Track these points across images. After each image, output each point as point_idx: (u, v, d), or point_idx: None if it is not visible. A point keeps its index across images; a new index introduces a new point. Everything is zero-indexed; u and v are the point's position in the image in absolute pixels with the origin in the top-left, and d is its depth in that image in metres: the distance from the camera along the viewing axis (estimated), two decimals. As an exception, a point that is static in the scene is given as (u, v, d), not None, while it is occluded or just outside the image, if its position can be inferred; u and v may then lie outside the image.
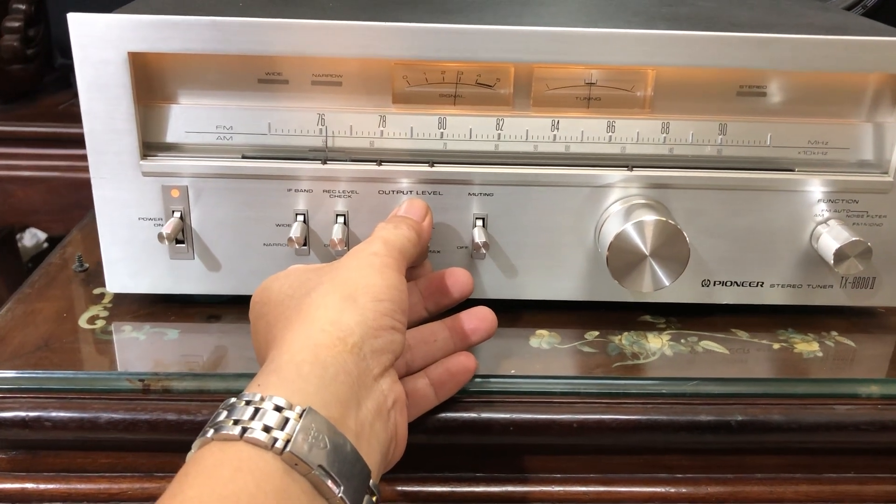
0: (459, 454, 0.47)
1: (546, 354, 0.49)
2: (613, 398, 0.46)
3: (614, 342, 0.51)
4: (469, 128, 0.49)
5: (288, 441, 0.32)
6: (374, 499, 0.34)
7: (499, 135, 0.50)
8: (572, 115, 0.50)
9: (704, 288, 0.52)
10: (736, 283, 0.52)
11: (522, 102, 0.50)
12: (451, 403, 0.45)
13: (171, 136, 0.49)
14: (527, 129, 0.50)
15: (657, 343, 0.51)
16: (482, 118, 0.49)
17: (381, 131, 0.49)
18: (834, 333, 0.52)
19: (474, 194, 0.50)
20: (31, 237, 1.31)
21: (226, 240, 0.50)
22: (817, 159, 0.50)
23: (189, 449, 0.34)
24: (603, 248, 0.48)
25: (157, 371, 0.46)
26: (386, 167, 0.49)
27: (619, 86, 0.49)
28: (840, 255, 0.49)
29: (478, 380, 0.46)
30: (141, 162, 0.48)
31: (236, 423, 0.32)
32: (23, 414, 0.44)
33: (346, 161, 0.49)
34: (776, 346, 0.51)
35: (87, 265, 0.56)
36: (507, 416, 0.45)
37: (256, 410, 0.32)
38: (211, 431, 0.33)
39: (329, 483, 0.32)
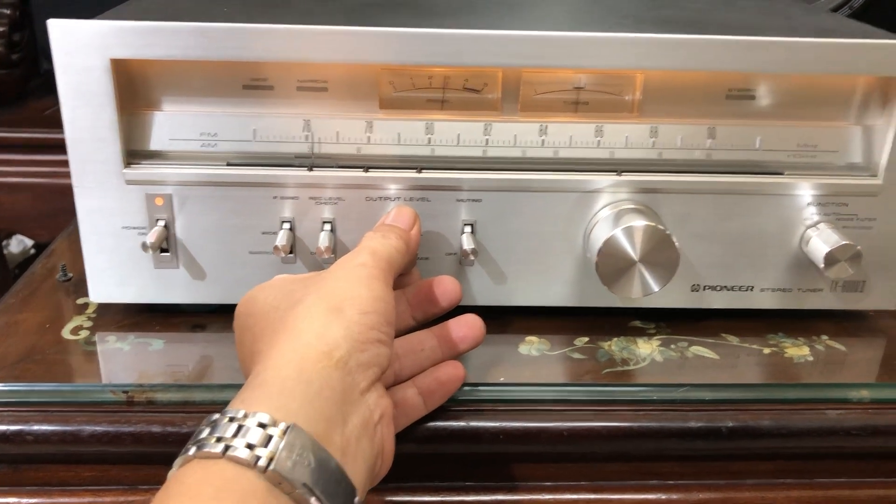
0: (449, 463, 0.47)
1: (535, 361, 0.49)
2: (603, 405, 0.46)
3: (604, 348, 0.50)
4: (457, 133, 0.49)
5: (271, 459, 0.31)
6: (359, 515, 0.34)
7: (487, 140, 0.49)
8: (560, 119, 0.49)
9: (695, 293, 0.52)
10: (726, 287, 0.52)
11: (510, 107, 0.49)
12: (441, 412, 0.44)
13: (155, 144, 0.48)
14: (515, 135, 0.49)
15: (647, 349, 0.50)
16: (470, 123, 0.49)
17: (368, 137, 0.49)
18: (824, 337, 0.52)
19: (463, 200, 0.49)
20: (18, 244, 1.29)
21: (211, 248, 0.49)
22: (806, 162, 0.50)
23: (174, 461, 0.33)
24: (592, 254, 0.48)
25: (141, 382, 0.45)
26: (373, 173, 0.49)
27: (608, 90, 0.49)
28: (830, 258, 0.48)
29: (467, 388, 0.46)
30: (124, 170, 0.47)
31: (219, 440, 0.32)
32: (4, 428, 0.43)
33: (332, 168, 0.49)
34: (766, 350, 0.51)
35: (70, 275, 0.56)
36: (497, 424, 0.45)
37: (240, 427, 0.32)
38: (193, 449, 0.32)
39: (313, 501, 0.31)
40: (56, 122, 0.47)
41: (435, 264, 0.51)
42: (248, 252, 0.50)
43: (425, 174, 0.49)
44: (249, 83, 0.48)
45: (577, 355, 0.50)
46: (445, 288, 0.46)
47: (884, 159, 0.49)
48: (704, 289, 0.52)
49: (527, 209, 0.50)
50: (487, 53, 0.46)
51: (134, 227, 0.49)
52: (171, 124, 0.48)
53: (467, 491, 0.47)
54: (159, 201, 0.48)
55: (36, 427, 0.43)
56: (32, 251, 1.29)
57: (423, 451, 0.44)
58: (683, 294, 0.52)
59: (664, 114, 0.49)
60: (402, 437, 0.42)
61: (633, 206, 0.49)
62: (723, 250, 0.51)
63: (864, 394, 0.47)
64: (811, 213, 0.50)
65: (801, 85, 0.49)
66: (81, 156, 0.47)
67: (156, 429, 0.44)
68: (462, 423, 0.45)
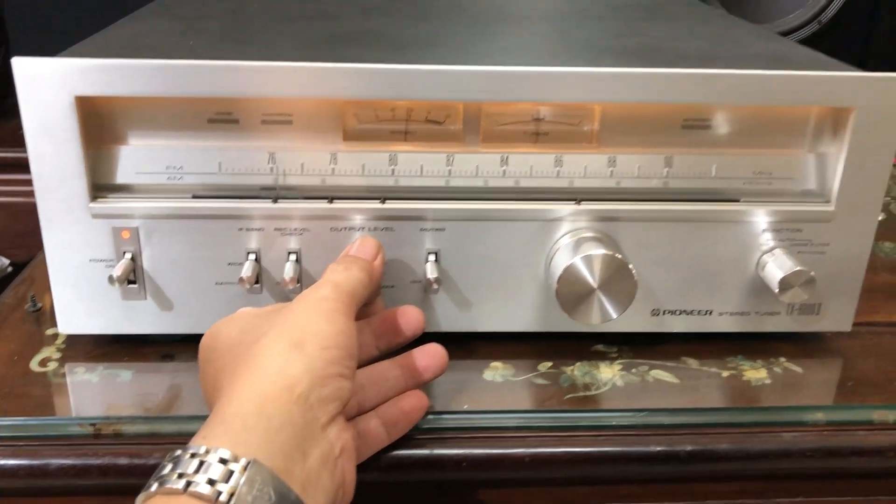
0: (413, 491, 0.47)
1: (499, 388, 0.50)
2: (565, 431, 0.47)
3: (567, 373, 0.51)
4: (420, 164, 0.50)
5: (232, 494, 0.32)
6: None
7: (449, 170, 0.50)
8: (521, 150, 0.50)
9: (655, 317, 0.53)
10: (685, 311, 0.53)
11: (472, 138, 0.50)
12: (404, 440, 0.45)
13: (121, 178, 0.49)
14: (477, 165, 0.50)
15: (609, 373, 0.51)
16: (433, 154, 0.50)
17: (333, 169, 0.50)
18: (782, 359, 0.53)
19: (426, 230, 0.50)
20: (-6, 262, 1.29)
21: (178, 280, 0.50)
22: (762, 189, 0.51)
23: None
24: (552, 282, 0.49)
25: (108, 415, 0.46)
26: (337, 204, 0.49)
27: (567, 121, 0.50)
28: (785, 284, 0.50)
29: (431, 416, 0.47)
30: (91, 204, 0.48)
31: (181, 476, 0.33)
32: (-29, 463, 0.43)
33: (297, 199, 0.49)
34: (725, 373, 0.52)
35: (40, 305, 0.56)
36: (460, 451, 0.46)
37: (201, 463, 0.33)
38: (155, 485, 0.33)
39: (274, 535, 0.32)
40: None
41: (400, 292, 0.52)
42: (214, 283, 0.50)
43: (389, 204, 0.50)
44: (214, 117, 0.49)
45: (540, 381, 0.51)
46: (409, 318, 0.47)
47: (836, 186, 0.50)
48: (664, 313, 0.53)
49: (489, 237, 0.51)
50: (448, 89, 0.47)
51: (101, 260, 0.49)
52: (137, 158, 0.49)
53: (432, 517, 0.48)
54: (126, 234, 0.49)
55: (3, 461, 0.44)
56: (10, 269, 1.29)
57: (387, 480, 0.45)
58: (644, 318, 0.53)
59: (622, 144, 0.50)
60: (365, 466, 0.43)
61: (592, 235, 0.50)
62: (681, 276, 0.52)
63: (819, 416, 0.48)
64: (767, 239, 0.51)
65: (755, 114, 0.51)
66: (48, 190, 0.47)
67: (123, 461, 0.44)
68: (426, 451, 0.45)
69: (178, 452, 0.34)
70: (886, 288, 0.63)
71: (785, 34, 1.52)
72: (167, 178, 0.49)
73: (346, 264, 0.45)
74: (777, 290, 0.50)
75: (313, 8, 0.67)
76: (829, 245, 0.52)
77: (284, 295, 0.51)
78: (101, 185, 0.49)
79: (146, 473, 0.35)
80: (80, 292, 0.50)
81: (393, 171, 0.50)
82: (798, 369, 0.53)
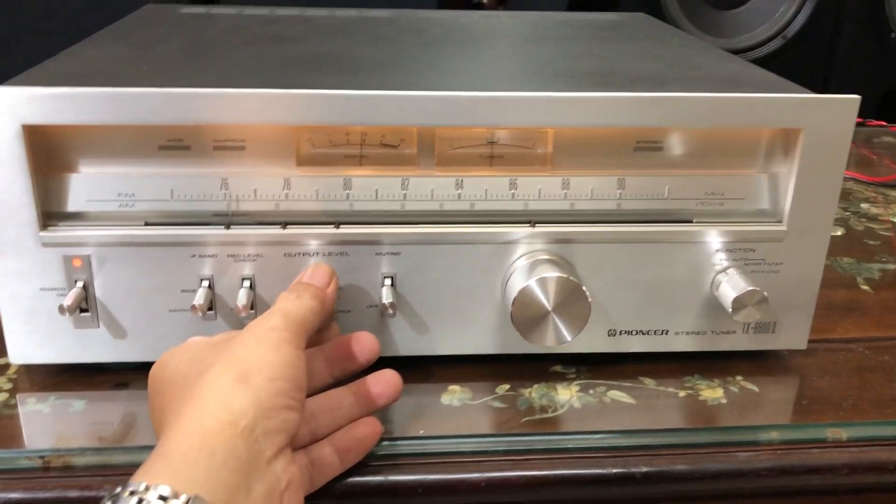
0: (369, 518, 0.47)
1: (457, 412, 0.50)
2: (520, 455, 0.47)
3: (524, 395, 0.51)
4: (375, 188, 0.50)
5: (173, 531, 0.32)
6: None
7: (404, 194, 0.50)
8: (476, 173, 0.50)
9: (612, 337, 0.53)
10: (642, 331, 0.53)
11: (427, 162, 0.50)
12: (358, 467, 0.45)
13: (72, 206, 0.48)
14: (432, 189, 0.50)
15: (566, 395, 0.51)
16: (387, 178, 0.50)
17: (286, 194, 0.49)
18: (739, 378, 0.54)
19: (382, 254, 0.50)
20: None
21: (131, 307, 0.50)
22: (714, 210, 0.52)
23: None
24: (508, 304, 0.49)
25: (58, 447, 0.45)
26: (291, 230, 0.49)
27: (520, 144, 0.50)
28: (738, 303, 0.50)
29: (386, 443, 0.46)
30: (41, 233, 0.47)
31: (121, 514, 0.32)
32: (-84, 499, 0.43)
33: (250, 225, 0.49)
34: (682, 393, 0.52)
35: (-8, 333, 0.55)
36: (415, 477, 0.45)
37: (140, 501, 0.32)
38: (95, 523, 0.32)
39: (215, 572, 0.32)
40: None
41: (356, 317, 0.51)
42: (167, 310, 0.50)
43: (344, 229, 0.50)
44: (166, 144, 0.48)
45: (498, 404, 0.51)
46: (363, 345, 0.47)
47: (787, 206, 0.51)
48: (621, 333, 0.53)
49: (445, 261, 0.51)
50: (402, 115, 0.47)
51: (52, 289, 0.49)
52: (87, 186, 0.48)
53: (389, 543, 0.47)
54: (77, 262, 0.48)
55: (-51, 497, 0.43)
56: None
57: (341, 508, 0.45)
58: (601, 339, 0.53)
59: (575, 166, 0.51)
60: (318, 494, 0.43)
61: (547, 257, 0.50)
62: (637, 296, 0.52)
63: (774, 435, 0.48)
64: (720, 259, 0.52)
65: (707, 135, 0.51)
66: (-3, 219, 0.47)
67: (73, 494, 0.43)
68: (380, 478, 0.45)
69: (118, 490, 0.33)
70: (844, 304, 0.64)
71: (751, 49, 1.54)
72: (119, 205, 0.49)
73: (297, 292, 0.44)
74: (731, 310, 0.50)
75: (273, 30, 0.67)
76: (783, 264, 0.52)
77: (239, 321, 0.50)
78: (51, 214, 0.48)
79: (96, 506, 0.34)
80: (32, 321, 0.49)
81: (347, 195, 0.50)
82: (754, 388, 0.53)
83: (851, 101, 0.48)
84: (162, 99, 0.45)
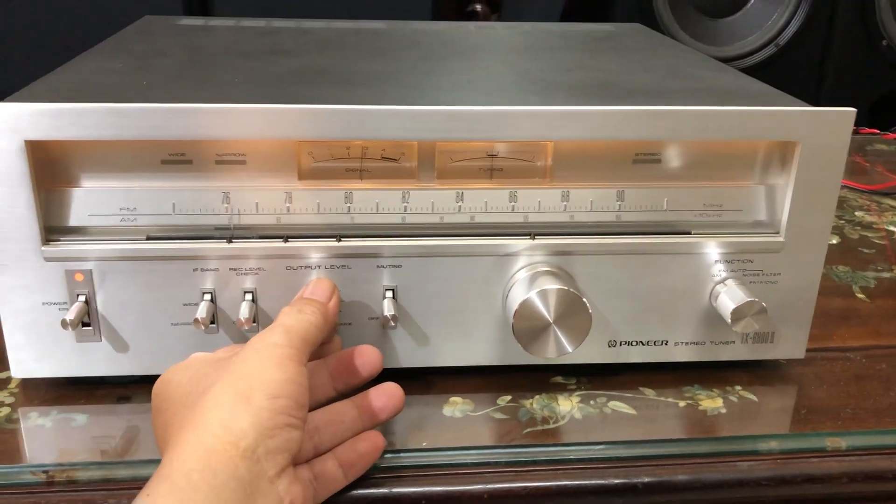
0: (373, 530, 0.47)
1: (459, 423, 0.50)
2: (522, 466, 0.47)
3: (526, 406, 0.52)
4: (375, 201, 0.50)
5: (179, 551, 0.32)
6: None
7: (405, 207, 0.50)
8: (476, 186, 0.51)
9: (612, 348, 0.54)
10: (641, 342, 0.54)
11: (427, 175, 0.50)
12: (362, 480, 0.45)
13: (74, 220, 0.48)
14: (432, 201, 0.50)
15: (567, 406, 0.52)
16: (388, 191, 0.50)
17: (288, 207, 0.50)
18: (738, 388, 0.54)
19: (383, 266, 0.50)
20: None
21: (133, 321, 0.50)
22: (713, 221, 0.52)
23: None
24: (509, 316, 0.49)
25: (61, 461, 0.45)
26: (293, 243, 0.49)
27: (520, 157, 0.51)
28: (737, 314, 0.50)
29: (389, 455, 0.47)
30: (43, 248, 0.47)
31: (127, 532, 0.32)
32: (-81, 515, 0.43)
33: (252, 238, 0.49)
34: (682, 403, 0.52)
35: (-7, 347, 0.55)
36: (418, 489, 0.46)
37: (145, 521, 0.32)
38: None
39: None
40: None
41: (358, 329, 0.52)
42: (170, 324, 0.50)
43: (345, 242, 0.50)
44: (168, 158, 0.48)
45: (499, 415, 0.51)
46: (366, 358, 0.47)
47: (784, 217, 0.51)
48: (621, 344, 0.53)
49: (446, 273, 0.51)
50: (402, 129, 0.47)
51: (54, 303, 0.49)
52: (90, 200, 0.48)
53: (393, 555, 0.48)
54: (79, 277, 0.48)
55: (-48, 513, 0.43)
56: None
57: (345, 520, 0.45)
58: (601, 349, 0.53)
59: (575, 178, 0.51)
60: (323, 508, 0.43)
61: (547, 269, 0.50)
62: (636, 307, 0.52)
63: (773, 445, 0.49)
64: (719, 270, 0.52)
65: (705, 148, 0.51)
66: (-1, 234, 0.47)
67: (77, 508, 0.44)
68: (384, 490, 0.45)
69: (124, 508, 0.33)
70: (840, 313, 0.64)
71: (744, 56, 1.55)
72: (121, 219, 0.49)
73: (299, 307, 0.45)
74: (730, 321, 0.51)
75: (270, 43, 0.68)
76: (780, 275, 0.53)
77: (241, 335, 0.50)
78: (53, 228, 0.48)
79: (100, 521, 0.35)
80: (33, 336, 0.49)
81: (349, 208, 0.50)
82: (753, 397, 0.53)
83: (847, 113, 0.49)
84: (164, 114, 0.46)
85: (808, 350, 0.55)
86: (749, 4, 1.57)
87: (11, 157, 0.45)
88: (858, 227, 0.81)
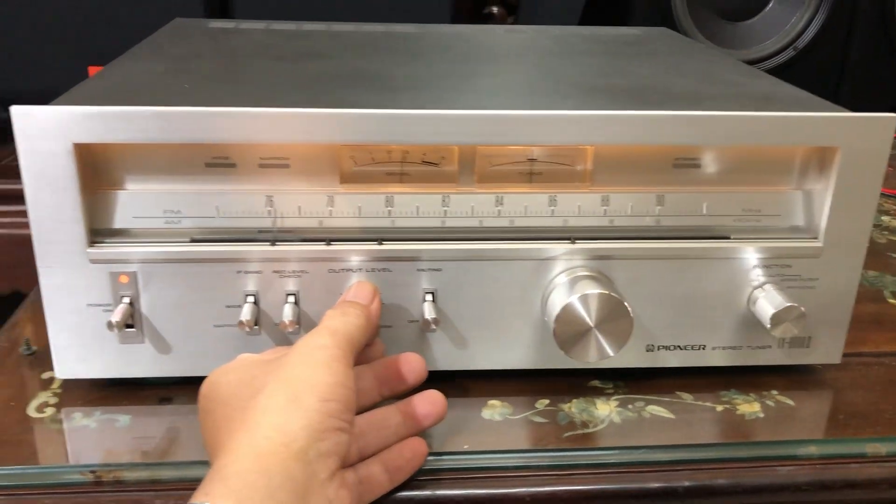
0: (415, 532, 0.47)
1: (498, 426, 0.50)
2: (564, 470, 0.47)
3: (564, 410, 0.52)
4: (416, 205, 0.50)
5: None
6: None
7: (445, 211, 0.51)
8: (515, 190, 0.51)
9: (649, 353, 0.54)
10: (679, 346, 0.54)
11: (467, 179, 0.51)
12: (404, 483, 0.45)
13: (119, 222, 0.49)
14: (472, 206, 0.51)
15: (605, 410, 0.52)
16: (428, 195, 0.50)
17: (330, 211, 0.50)
18: (774, 392, 0.54)
19: (423, 270, 0.51)
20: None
21: (176, 323, 0.50)
22: (751, 226, 0.52)
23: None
24: (550, 320, 0.49)
25: (108, 462, 0.46)
26: (335, 246, 0.50)
27: (560, 161, 0.51)
28: (776, 319, 0.50)
29: (431, 457, 0.47)
30: (88, 250, 0.48)
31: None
32: (-29, 514, 0.43)
33: (295, 241, 0.50)
34: (719, 408, 0.53)
35: (34, 348, 0.56)
36: (461, 492, 0.46)
37: (203, 522, 0.33)
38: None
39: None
40: (14, 173, 0.46)
41: (397, 332, 0.52)
42: (212, 325, 0.50)
43: (386, 246, 0.50)
44: (212, 161, 0.49)
45: (538, 419, 0.51)
46: (412, 366, 0.48)
47: (823, 222, 0.52)
48: (658, 348, 0.54)
49: (485, 277, 0.51)
50: (443, 133, 0.48)
51: (99, 305, 0.49)
52: (134, 203, 0.49)
53: (434, 558, 0.48)
54: (124, 279, 0.49)
55: (2, 512, 0.43)
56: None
57: (389, 522, 0.45)
58: (639, 354, 0.54)
59: (615, 183, 0.51)
60: (367, 511, 0.43)
61: (587, 273, 0.50)
62: (674, 311, 0.53)
63: (812, 450, 0.49)
64: (757, 275, 0.52)
65: (744, 153, 0.52)
66: (45, 236, 0.47)
67: (124, 509, 0.44)
68: (427, 493, 0.46)
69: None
70: (872, 317, 0.64)
71: (762, 60, 1.55)
72: (165, 222, 0.49)
73: (343, 310, 0.45)
74: (769, 326, 0.51)
75: (303, 46, 0.68)
76: (818, 280, 0.53)
77: (283, 337, 0.51)
78: (98, 230, 0.49)
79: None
80: (78, 337, 0.50)
81: (389, 212, 0.50)
82: (790, 402, 0.53)
83: (889, 119, 0.49)
84: (209, 117, 0.46)
85: (843, 355, 0.55)
86: (767, 7, 1.57)
87: (60, 159, 0.46)
88: (886, 232, 0.81)
